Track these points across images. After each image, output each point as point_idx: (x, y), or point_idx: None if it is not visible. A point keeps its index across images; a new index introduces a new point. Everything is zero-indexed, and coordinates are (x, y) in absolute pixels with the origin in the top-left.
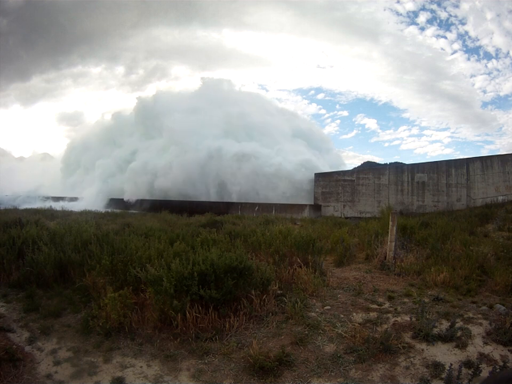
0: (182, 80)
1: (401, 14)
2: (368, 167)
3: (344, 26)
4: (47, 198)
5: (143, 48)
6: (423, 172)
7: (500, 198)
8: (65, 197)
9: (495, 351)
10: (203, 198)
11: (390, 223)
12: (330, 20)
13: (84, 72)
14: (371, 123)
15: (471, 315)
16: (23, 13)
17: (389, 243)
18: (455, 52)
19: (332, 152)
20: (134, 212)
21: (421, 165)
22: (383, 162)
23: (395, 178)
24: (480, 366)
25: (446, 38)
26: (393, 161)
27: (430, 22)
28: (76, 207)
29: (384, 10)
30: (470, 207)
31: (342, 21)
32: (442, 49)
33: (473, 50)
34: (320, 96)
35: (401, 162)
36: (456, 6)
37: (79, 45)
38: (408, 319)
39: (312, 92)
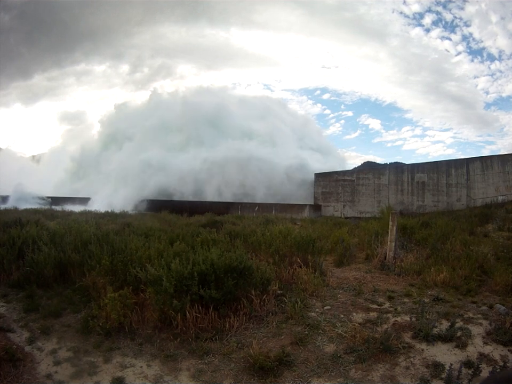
0: (188, 79)
1: (407, 16)
2: (368, 167)
3: (353, 27)
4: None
5: (148, 46)
6: (423, 171)
7: (500, 198)
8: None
9: (495, 351)
10: (203, 198)
11: (390, 223)
12: (339, 20)
13: (87, 70)
14: (375, 123)
15: (471, 315)
16: (25, 9)
17: (389, 243)
18: (459, 53)
19: (332, 152)
20: (134, 211)
21: (421, 165)
22: (383, 162)
23: (395, 178)
24: (480, 366)
25: (450, 39)
26: (394, 161)
27: (435, 23)
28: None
29: (393, 12)
30: (470, 207)
31: (351, 21)
32: (447, 50)
33: (476, 52)
34: (326, 96)
35: (401, 162)
36: (461, 8)
37: (82, 43)
38: (408, 319)
39: (318, 92)
